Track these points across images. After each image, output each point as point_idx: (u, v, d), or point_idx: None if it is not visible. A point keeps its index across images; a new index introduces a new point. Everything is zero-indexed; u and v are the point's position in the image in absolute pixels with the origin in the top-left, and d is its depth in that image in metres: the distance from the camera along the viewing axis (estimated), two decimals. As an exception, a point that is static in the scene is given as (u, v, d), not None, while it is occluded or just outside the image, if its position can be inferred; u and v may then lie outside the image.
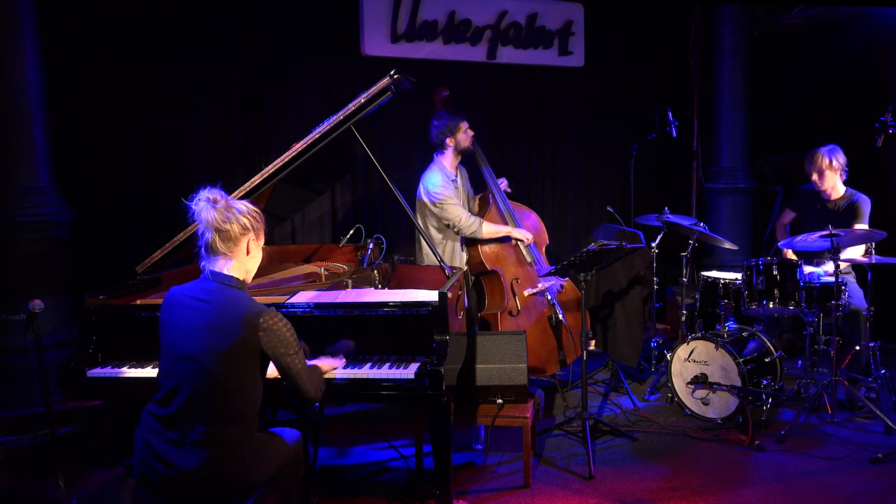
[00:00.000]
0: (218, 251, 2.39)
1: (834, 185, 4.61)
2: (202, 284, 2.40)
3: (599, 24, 6.03)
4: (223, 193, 2.43)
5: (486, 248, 4.31)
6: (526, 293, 4.33)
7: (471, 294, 4.50)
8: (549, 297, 4.37)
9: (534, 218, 4.59)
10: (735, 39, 6.19)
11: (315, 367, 2.67)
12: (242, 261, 2.44)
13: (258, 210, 2.48)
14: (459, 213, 4.21)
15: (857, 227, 4.46)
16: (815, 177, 4.63)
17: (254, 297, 3.08)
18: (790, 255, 4.74)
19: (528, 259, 4.43)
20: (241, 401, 2.33)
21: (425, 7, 5.33)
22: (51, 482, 3.48)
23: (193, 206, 2.39)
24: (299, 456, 2.61)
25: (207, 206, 2.38)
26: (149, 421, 2.35)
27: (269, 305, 2.89)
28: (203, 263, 2.44)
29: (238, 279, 2.42)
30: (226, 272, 2.40)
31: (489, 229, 4.25)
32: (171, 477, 2.26)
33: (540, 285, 4.39)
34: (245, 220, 2.40)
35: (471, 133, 4.36)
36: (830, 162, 4.54)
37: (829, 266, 4.17)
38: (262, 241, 2.51)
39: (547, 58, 5.85)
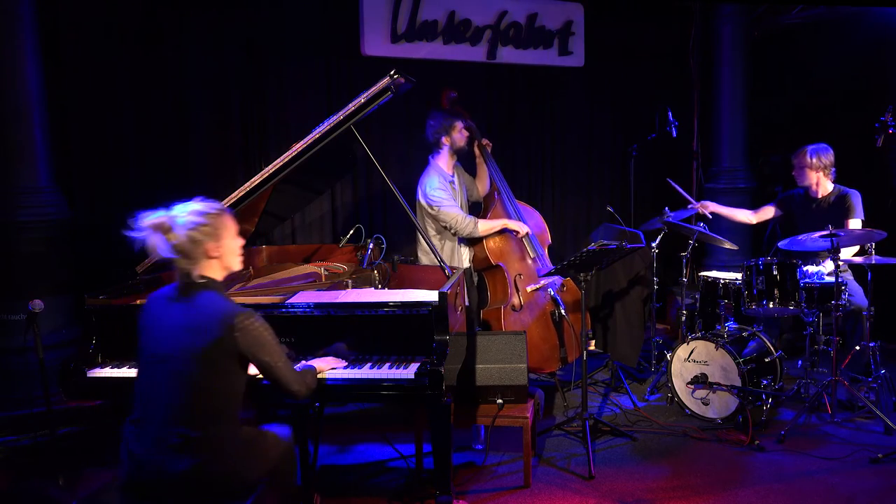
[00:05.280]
0: (181, 263, 2.36)
1: (818, 182, 4.60)
2: (177, 285, 2.39)
3: (599, 24, 6.03)
4: (165, 214, 2.36)
5: (491, 244, 4.33)
6: (529, 288, 4.34)
7: (472, 293, 4.51)
8: (552, 293, 4.38)
9: (538, 218, 4.62)
10: (735, 40, 6.19)
11: (310, 370, 2.68)
12: (212, 263, 2.40)
13: (208, 212, 2.38)
14: (455, 214, 4.22)
15: (852, 221, 4.46)
16: (795, 172, 4.66)
17: (255, 297, 3.07)
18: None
19: (532, 255, 4.44)
20: (221, 401, 2.30)
21: (425, 7, 5.33)
22: (51, 482, 3.48)
23: (141, 238, 2.33)
24: (291, 452, 2.61)
25: (152, 234, 2.32)
26: (130, 433, 2.30)
27: (269, 305, 2.88)
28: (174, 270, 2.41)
29: (212, 279, 2.39)
30: (198, 273, 2.37)
31: (485, 226, 4.27)
32: (161, 482, 2.24)
33: (542, 281, 4.40)
34: (194, 234, 2.33)
35: (465, 134, 4.38)
36: (812, 159, 4.54)
37: (829, 265, 4.16)
38: (226, 241, 2.41)
39: (547, 58, 5.85)
